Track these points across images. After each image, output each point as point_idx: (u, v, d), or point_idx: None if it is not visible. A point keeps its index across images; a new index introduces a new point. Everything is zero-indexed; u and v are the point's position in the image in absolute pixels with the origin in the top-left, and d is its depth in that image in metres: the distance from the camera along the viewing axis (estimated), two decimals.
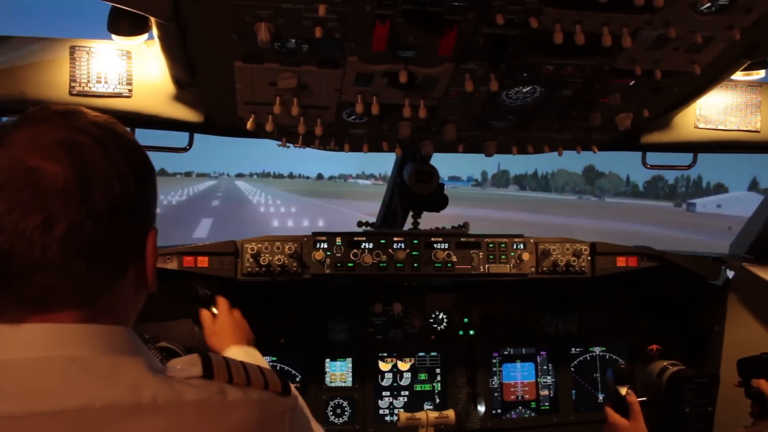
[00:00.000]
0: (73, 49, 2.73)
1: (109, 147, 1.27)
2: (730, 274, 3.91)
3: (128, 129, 1.41)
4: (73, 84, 2.73)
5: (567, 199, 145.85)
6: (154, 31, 2.39)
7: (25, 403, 1.13)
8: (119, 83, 2.78)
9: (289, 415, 1.36)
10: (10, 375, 1.17)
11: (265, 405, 1.31)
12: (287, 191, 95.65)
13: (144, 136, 2.92)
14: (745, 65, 2.71)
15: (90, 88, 2.75)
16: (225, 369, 1.31)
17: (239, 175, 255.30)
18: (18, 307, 1.21)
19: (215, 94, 2.76)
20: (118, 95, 2.79)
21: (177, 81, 2.79)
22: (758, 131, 3.23)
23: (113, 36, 2.60)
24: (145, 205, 1.36)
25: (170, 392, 1.20)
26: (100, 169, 1.23)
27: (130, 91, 2.80)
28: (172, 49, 2.47)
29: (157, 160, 1.67)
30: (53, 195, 1.18)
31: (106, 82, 2.77)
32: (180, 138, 3.15)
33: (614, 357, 4.15)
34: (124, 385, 1.18)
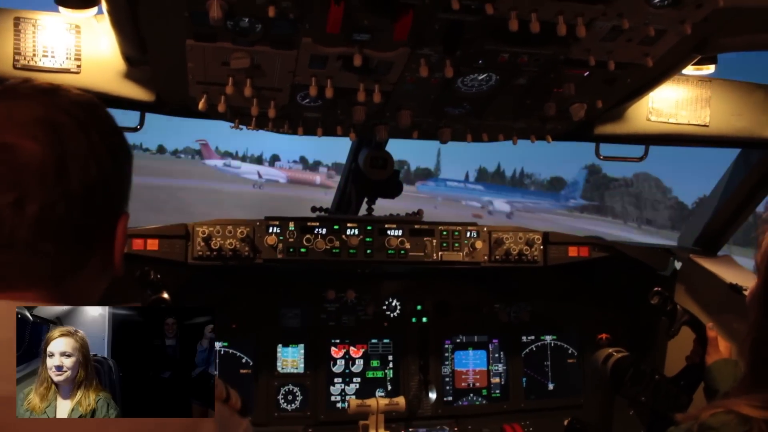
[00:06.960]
0: (17, 21, 2.63)
1: (89, 128, 1.26)
2: (678, 265, 3.99)
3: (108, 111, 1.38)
4: (17, 57, 2.63)
5: None
6: (104, 5, 2.31)
7: None
8: (67, 58, 2.69)
9: None
10: None
11: (219, 417, 1.29)
12: None
13: None
14: (696, 59, 2.76)
15: (36, 62, 2.65)
16: None
17: None
18: None
19: (167, 73, 2.69)
20: (66, 71, 2.69)
21: (128, 58, 2.71)
22: (707, 125, 3.29)
23: (60, 8, 2.51)
24: (120, 189, 1.35)
25: None
26: (78, 150, 1.22)
27: (79, 66, 2.71)
28: (122, 24, 2.40)
29: None
30: (29, 174, 1.16)
31: (53, 56, 2.67)
32: (131, 117, 2.98)
33: (564, 345, 4.20)
34: None
